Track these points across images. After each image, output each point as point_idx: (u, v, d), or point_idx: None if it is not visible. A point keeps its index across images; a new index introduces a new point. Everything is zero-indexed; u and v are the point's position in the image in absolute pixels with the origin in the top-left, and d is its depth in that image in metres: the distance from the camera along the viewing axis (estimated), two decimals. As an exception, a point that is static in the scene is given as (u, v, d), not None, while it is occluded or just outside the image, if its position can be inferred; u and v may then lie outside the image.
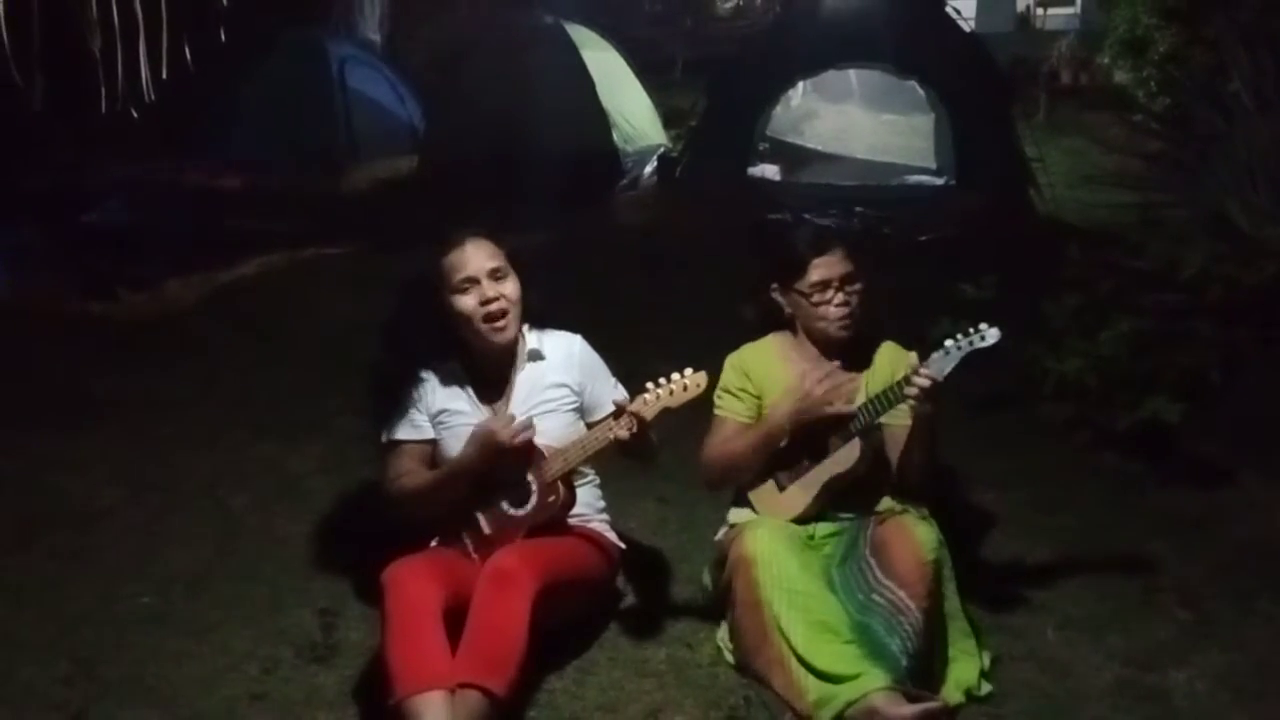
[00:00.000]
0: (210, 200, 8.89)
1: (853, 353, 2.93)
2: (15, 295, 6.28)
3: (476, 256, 2.79)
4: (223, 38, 4.20)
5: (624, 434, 2.63)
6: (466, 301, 2.78)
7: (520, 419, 2.72)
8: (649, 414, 2.64)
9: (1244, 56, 5.56)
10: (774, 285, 2.94)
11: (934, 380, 2.61)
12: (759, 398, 2.93)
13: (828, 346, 2.92)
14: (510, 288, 2.81)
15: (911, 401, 2.64)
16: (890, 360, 2.90)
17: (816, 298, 2.85)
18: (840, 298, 2.84)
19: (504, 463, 2.72)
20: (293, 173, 9.48)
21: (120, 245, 7.33)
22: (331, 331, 5.50)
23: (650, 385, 2.66)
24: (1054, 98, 12.86)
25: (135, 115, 4.12)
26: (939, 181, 8.82)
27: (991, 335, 2.64)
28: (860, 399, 2.83)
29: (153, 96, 3.95)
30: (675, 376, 2.67)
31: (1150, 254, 4.79)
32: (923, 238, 7.46)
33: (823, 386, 2.79)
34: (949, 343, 2.65)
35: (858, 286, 2.86)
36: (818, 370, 2.89)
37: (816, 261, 2.85)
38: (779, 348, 2.98)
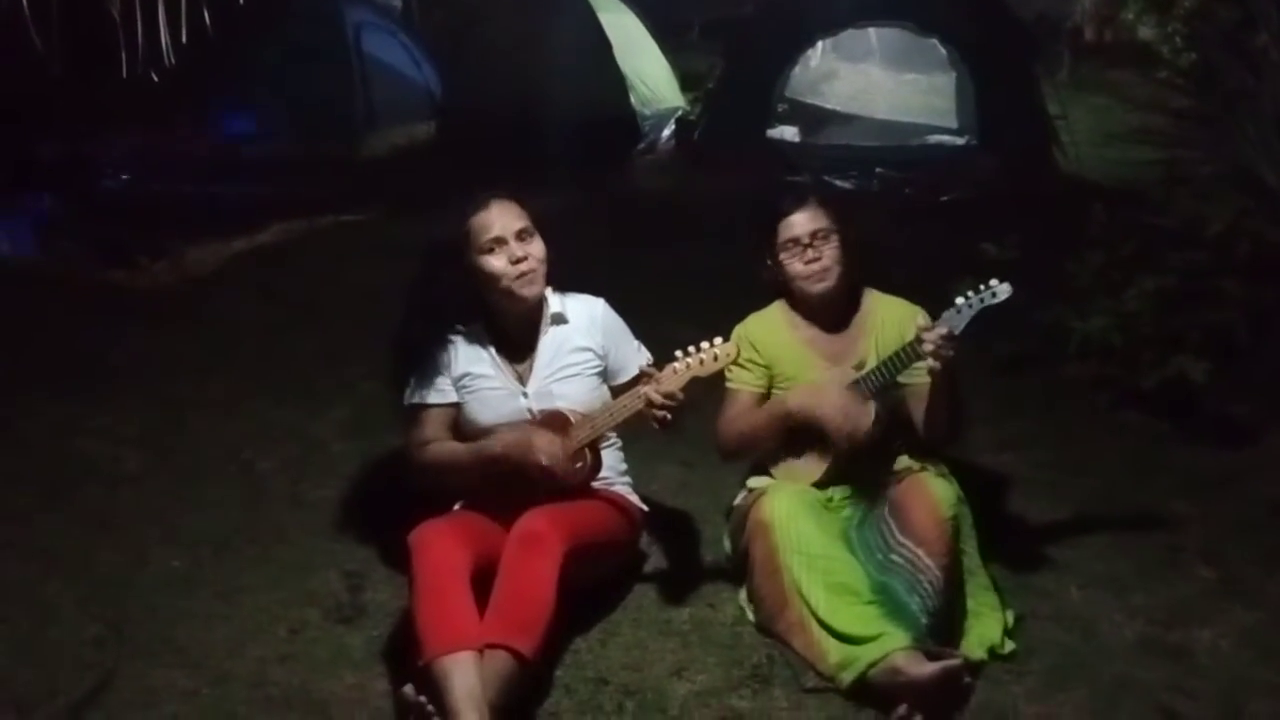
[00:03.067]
0: (228, 167, 8.89)
1: (856, 313, 2.94)
2: (36, 263, 6.30)
3: (503, 217, 2.79)
4: (241, 1, 4.17)
5: (659, 413, 2.61)
6: (495, 262, 2.78)
7: (561, 447, 2.73)
8: (678, 384, 2.61)
9: (1272, 9, 5.45)
10: (765, 253, 2.95)
11: (944, 334, 2.60)
12: (768, 367, 2.92)
13: (820, 308, 2.92)
14: (537, 247, 2.81)
15: (930, 360, 2.62)
16: (898, 318, 2.89)
17: (786, 256, 2.87)
18: (810, 254, 2.84)
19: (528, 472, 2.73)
20: (310, 139, 9.46)
21: (139, 213, 7.34)
22: (352, 297, 5.51)
23: (679, 354, 2.65)
24: (1077, 55, 12.67)
25: (155, 80, 4.11)
26: (960, 141, 8.70)
27: (1003, 291, 2.63)
28: (871, 361, 2.82)
29: (172, 60, 3.93)
30: (705, 346, 2.65)
31: (1176, 211, 4.72)
32: (944, 198, 7.42)
33: (840, 412, 2.76)
34: (960, 300, 2.64)
35: (833, 242, 2.86)
36: (835, 377, 2.87)
37: (787, 220, 2.87)
38: (784, 315, 2.97)
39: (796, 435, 2.86)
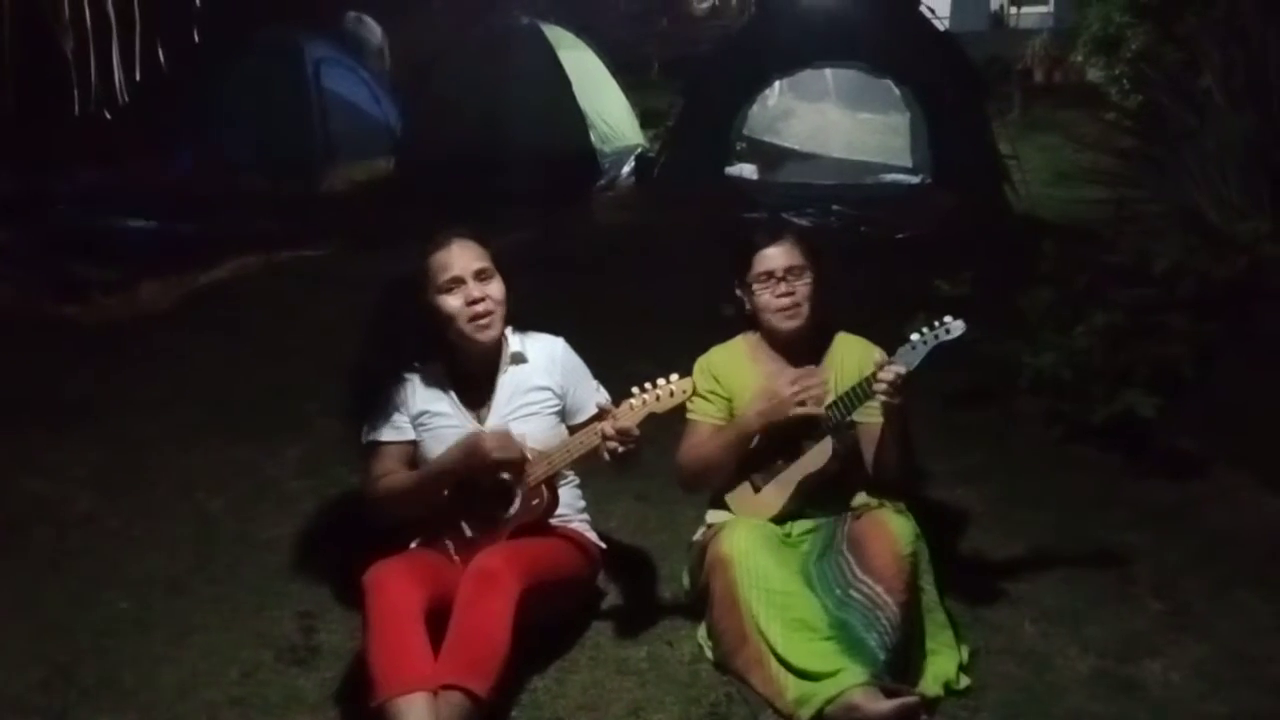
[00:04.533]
0: (185, 202, 8.83)
1: (818, 350, 2.96)
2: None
3: (463, 257, 2.79)
4: (196, 38, 4.18)
5: (613, 445, 2.62)
6: (452, 302, 2.78)
7: (509, 432, 2.72)
8: (634, 420, 2.63)
9: (1215, 53, 5.61)
10: (735, 281, 2.97)
11: (902, 373, 2.63)
12: (729, 399, 2.94)
13: (788, 343, 2.94)
14: (495, 288, 2.81)
15: (882, 397, 2.66)
16: (857, 356, 2.92)
17: (759, 288, 2.89)
18: (783, 288, 2.87)
19: (486, 474, 2.72)
20: (268, 174, 9.43)
21: (94, 248, 7.27)
22: (309, 333, 5.47)
23: (635, 391, 2.66)
24: (1028, 96, 12.95)
25: (108, 116, 4.10)
26: (915, 180, 8.85)
27: (956, 328, 2.66)
28: (829, 397, 2.85)
29: (126, 98, 3.93)
30: (660, 382, 2.67)
31: (1124, 249, 4.82)
32: (899, 235, 7.51)
33: (793, 388, 2.79)
34: (915, 337, 2.67)
35: (806, 279, 2.89)
36: (785, 369, 2.91)
37: (762, 253, 2.89)
38: (747, 348, 2.99)
39: (755, 465, 2.87)
